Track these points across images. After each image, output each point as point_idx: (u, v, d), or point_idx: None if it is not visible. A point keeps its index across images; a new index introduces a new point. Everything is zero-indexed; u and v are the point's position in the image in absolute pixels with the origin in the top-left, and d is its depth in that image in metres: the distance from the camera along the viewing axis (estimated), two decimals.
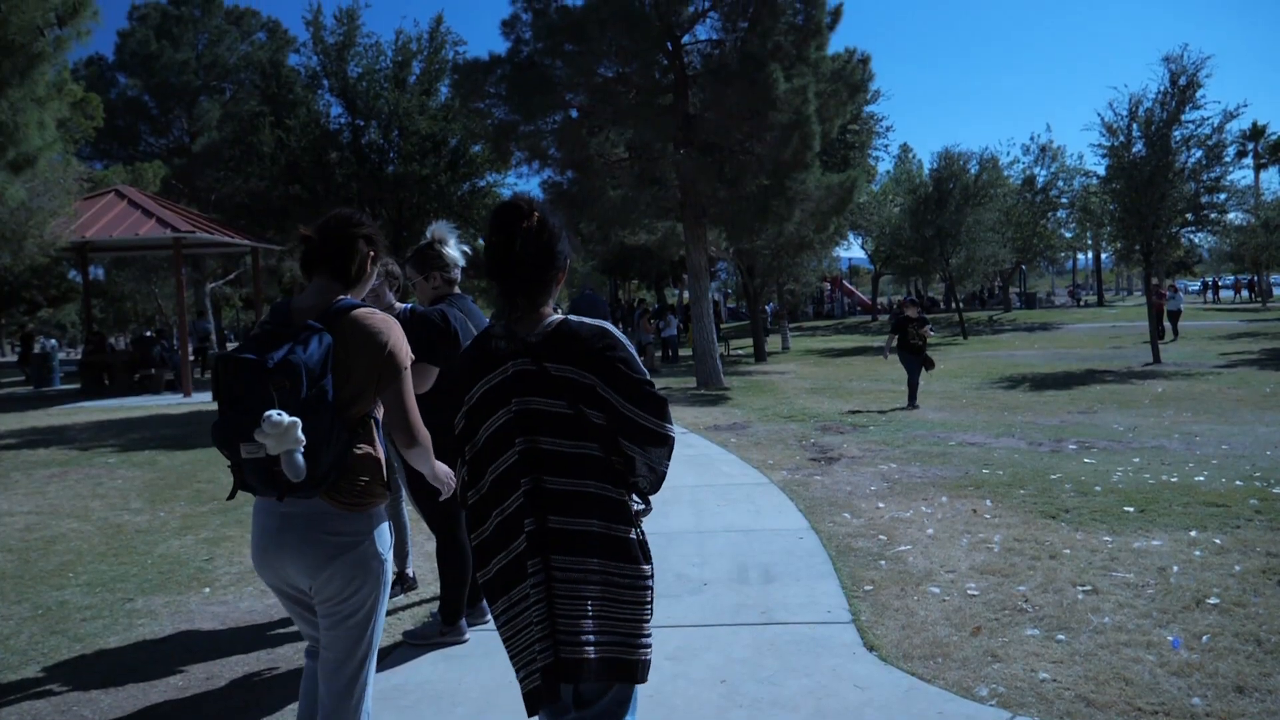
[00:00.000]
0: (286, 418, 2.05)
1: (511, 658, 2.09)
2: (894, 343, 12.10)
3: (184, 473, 8.33)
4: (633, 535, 2.06)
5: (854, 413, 11.49)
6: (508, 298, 2.07)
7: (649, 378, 2.07)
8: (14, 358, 45.70)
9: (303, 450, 2.08)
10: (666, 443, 2.06)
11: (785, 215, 16.02)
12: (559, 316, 2.10)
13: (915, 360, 11.87)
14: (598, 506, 2.03)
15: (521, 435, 2.03)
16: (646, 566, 2.07)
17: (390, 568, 2.41)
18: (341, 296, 2.35)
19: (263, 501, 2.30)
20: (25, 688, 3.56)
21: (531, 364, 2.03)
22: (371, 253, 2.43)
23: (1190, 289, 55.33)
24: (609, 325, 2.11)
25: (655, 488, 2.10)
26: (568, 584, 2.00)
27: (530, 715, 2.10)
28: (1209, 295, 56.18)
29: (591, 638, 1.99)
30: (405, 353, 2.34)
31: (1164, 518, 5.42)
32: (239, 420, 2.09)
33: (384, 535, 2.36)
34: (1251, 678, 3.18)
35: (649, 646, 2.07)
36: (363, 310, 2.31)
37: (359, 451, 2.27)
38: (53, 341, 47.15)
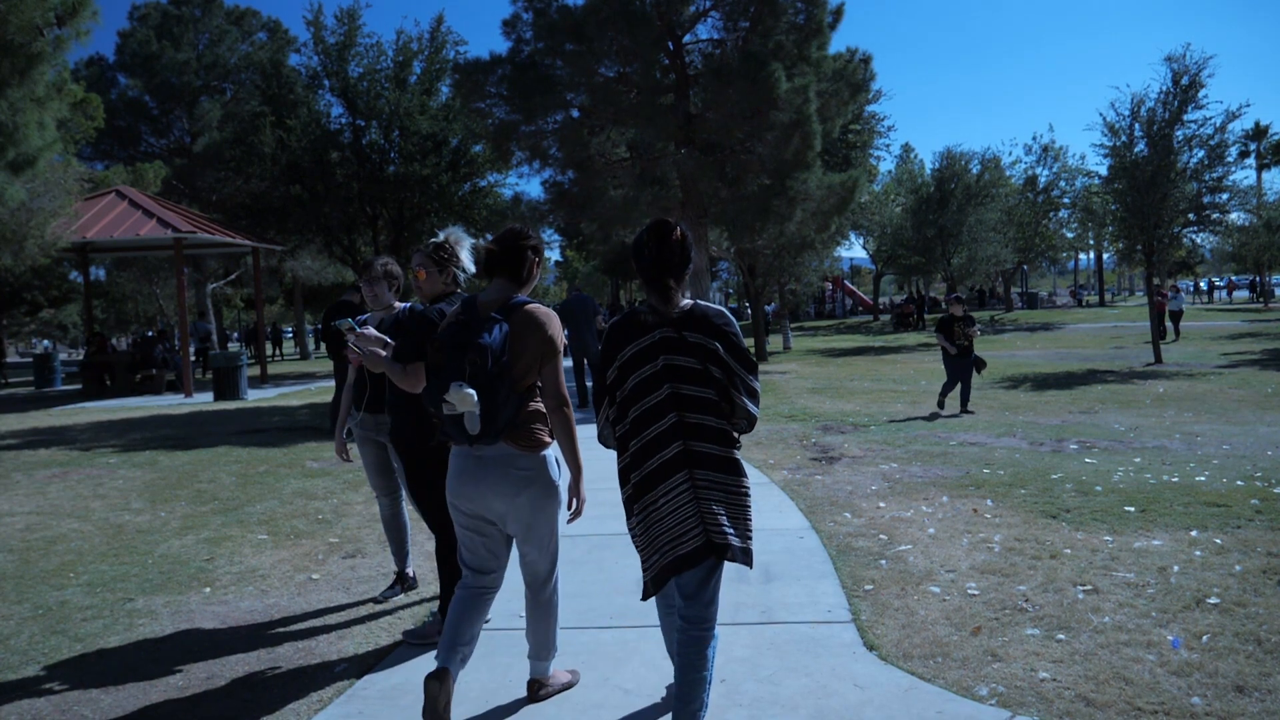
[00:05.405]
0: (468, 389, 2.80)
1: (644, 550, 2.79)
2: (949, 340, 11.09)
3: (185, 473, 8.33)
4: (738, 455, 2.81)
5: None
6: (659, 285, 2.78)
7: (747, 346, 2.79)
8: (17, 358, 45.81)
9: (480, 412, 2.83)
10: (756, 394, 2.81)
11: (786, 215, 16.01)
12: (690, 301, 2.84)
13: (964, 362, 11.00)
14: (718, 435, 2.77)
15: (669, 382, 2.76)
16: (749, 480, 2.83)
17: (564, 489, 3.10)
18: (516, 294, 3.05)
19: (460, 448, 3.04)
20: (26, 687, 3.56)
21: (673, 332, 2.78)
22: (537, 259, 3.13)
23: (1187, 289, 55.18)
24: (724, 309, 2.85)
25: (750, 428, 2.83)
26: (706, 489, 2.74)
27: (654, 593, 2.79)
28: (1205, 296, 55.91)
29: (729, 528, 2.74)
30: (560, 339, 3.04)
31: (1165, 518, 5.42)
32: (442, 386, 2.85)
33: (554, 466, 3.08)
34: (1251, 677, 3.18)
35: (753, 538, 2.83)
36: (532, 305, 3.02)
37: (530, 408, 3.03)
38: (47, 343, 47.23)
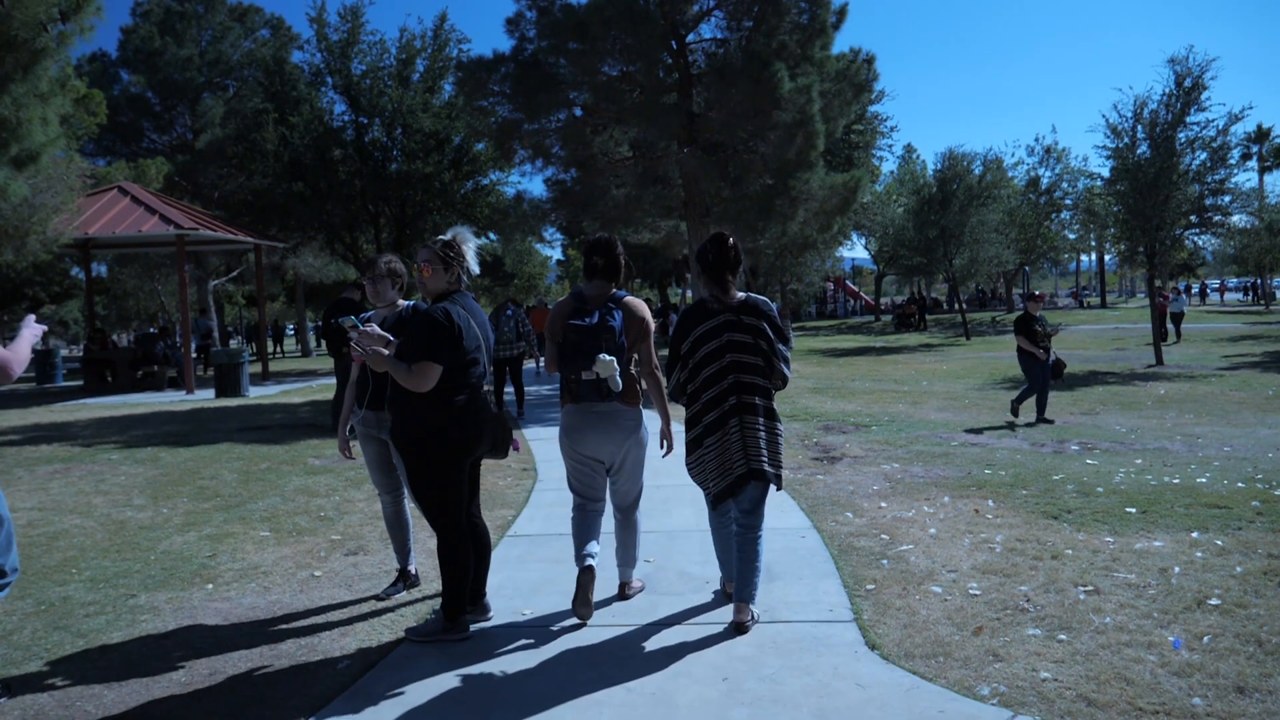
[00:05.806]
0: (608, 357, 3.74)
1: (714, 470, 3.82)
2: (1033, 342, 10.05)
3: (187, 469, 8.34)
4: (774, 405, 3.87)
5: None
6: (721, 281, 3.84)
7: (782, 325, 3.75)
8: None
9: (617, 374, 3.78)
10: (789, 360, 3.86)
11: (789, 215, 16.01)
12: (744, 294, 3.87)
13: (1046, 365, 10.01)
14: (763, 391, 3.83)
15: (729, 353, 3.79)
16: (782, 424, 3.93)
17: (649, 435, 4.16)
18: (615, 290, 4.03)
19: (575, 407, 3.97)
20: (28, 683, 3.56)
21: (733, 316, 3.81)
22: (627, 263, 4.10)
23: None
24: (767, 299, 3.89)
25: (784, 385, 3.88)
26: (752, 431, 3.78)
27: (719, 503, 3.90)
28: (1199, 298, 55.57)
29: (766, 460, 3.79)
30: (651, 324, 4.02)
31: (1166, 519, 5.42)
32: (580, 358, 3.80)
33: (643, 419, 4.09)
34: (1252, 678, 3.18)
35: (783, 468, 3.90)
36: (630, 298, 4.02)
37: (630, 374, 3.96)
38: (53, 340, 47.15)
